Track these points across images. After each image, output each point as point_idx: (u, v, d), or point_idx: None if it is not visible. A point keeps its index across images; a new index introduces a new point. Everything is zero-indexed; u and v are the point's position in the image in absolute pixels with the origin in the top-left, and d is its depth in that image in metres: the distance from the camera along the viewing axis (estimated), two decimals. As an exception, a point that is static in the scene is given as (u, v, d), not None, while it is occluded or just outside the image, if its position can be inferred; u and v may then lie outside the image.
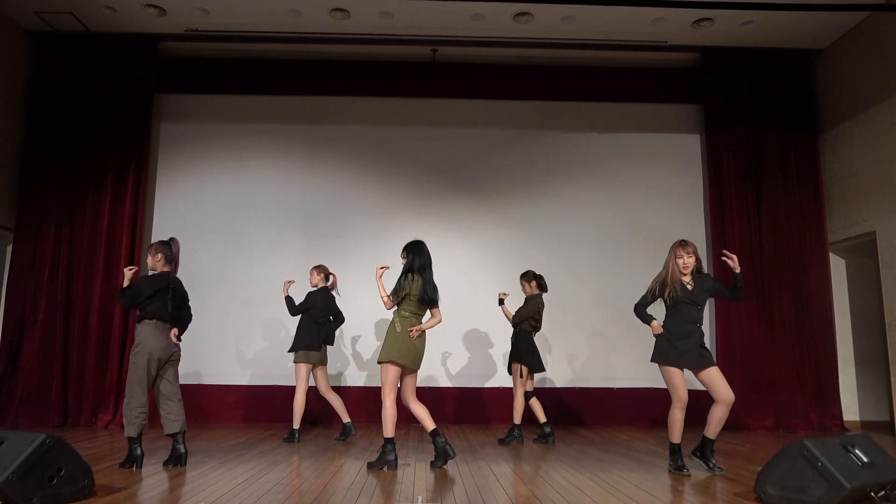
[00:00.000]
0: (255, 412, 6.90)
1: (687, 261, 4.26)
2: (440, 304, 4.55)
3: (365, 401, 6.92)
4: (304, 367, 5.66)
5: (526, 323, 5.67)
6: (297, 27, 6.89)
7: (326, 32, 7.00)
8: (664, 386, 4.32)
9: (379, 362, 4.38)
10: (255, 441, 5.60)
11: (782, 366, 6.84)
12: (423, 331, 4.43)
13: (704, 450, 4.29)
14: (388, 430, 4.32)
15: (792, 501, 3.18)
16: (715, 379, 4.17)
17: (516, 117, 7.62)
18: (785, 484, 3.24)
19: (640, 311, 4.41)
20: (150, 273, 4.49)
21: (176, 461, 4.31)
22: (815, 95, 7.49)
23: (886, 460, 3.34)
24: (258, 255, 7.23)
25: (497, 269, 7.19)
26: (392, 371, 4.33)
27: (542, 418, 5.68)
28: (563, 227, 7.45)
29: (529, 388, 5.69)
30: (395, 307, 4.47)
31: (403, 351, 4.32)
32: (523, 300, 5.80)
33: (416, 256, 4.47)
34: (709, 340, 7.19)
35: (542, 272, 6.02)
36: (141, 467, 4.20)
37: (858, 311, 7.25)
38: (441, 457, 4.35)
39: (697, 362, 4.17)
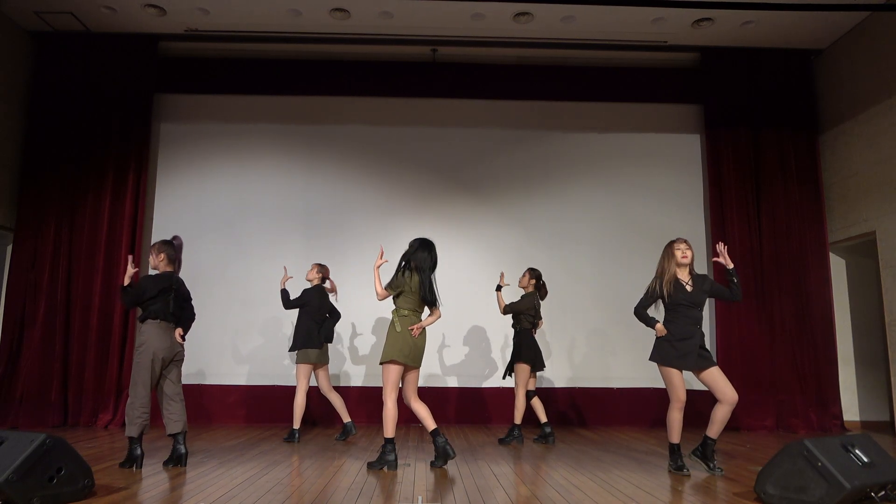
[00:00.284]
0: (255, 412, 6.90)
1: (685, 251, 4.26)
2: (441, 303, 4.54)
3: (365, 400, 6.92)
4: (305, 368, 5.66)
5: (524, 320, 5.66)
6: (296, 27, 6.89)
7: (326, 32, 7.00)
8: (664, 386, 4.32)
9: (381, 363, 4.37)
10: (255, 441, 5.60)
11: (782, 366, 6.84)
12: (424, 328, 4.43)
13: (706, 450, 4.28)
14: (389, 430, 4.32)
15: (792, 501, 3.18)
16: (717, 379, 4.17)
17: (516, 117, 7.62)
18: (785, 484, 3.24)
19: (641, 313, 4.40)
20: (153, 272, 4.50)
21: (176, 461, 4.31)
22: (815, 95, 7.49)
23: (886, 460, 3.34)
24: (258, 255, 7.23)
25: (497, 269, 7.16)
26: (394, 371, 4.33)
27: (543, 418, 5.68)
28: (563, 227, 7.45)
29: (531, 387, 5.69)
30: (394, 306, 4.46)
31: (405, 350, 4.32)
32: (520, 295, 5.79)
33: (419, 253, 4.45)
34: (709, 341, 7.18)
35: (542, 272, 6.02)
36: (141, 467, 4.20)
37: (858, 311, 7.25)
38: (441, 457, 4.35)
39: (697, 363, 4.18)
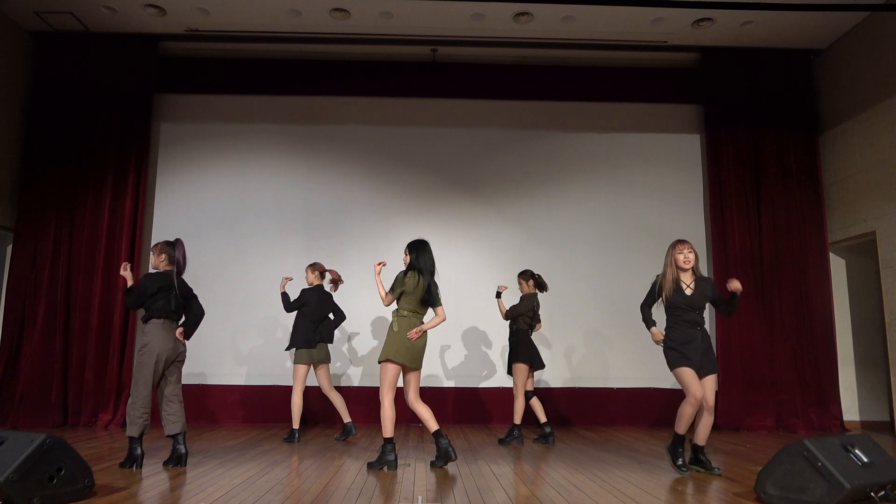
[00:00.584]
0: (255, 412, 6.90)
1: (688, 255, 4.25)
2: (443, 304, 4.54)
3: (364, 400, 6.91)
4: (302, 368, 5.65)
5: (521, 321, 5.67)
6: (296, 27, 6.88)
7: (326, 32, 7.00)
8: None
9: (378, 362, 4.40)
10: (255, 441, 5.60)
11: (782, 366, 6.84)
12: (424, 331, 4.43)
13: (696, 455, 4.29)
14: (388, 430, 4.33)
15: (792, 501, 3.18)
16: (707, 388, 4.18)
17: (516, 117, 7.62)
18: (785, 484, 3.24)
19: (645, 311, 4.39)
20: (159, 271, 4.49)
21: (176, 461, 4.31)
22: (814, 95, 7.49)
23: (886, 460, 3.34)
24: (258, 256, 7.23)
25: (497, 269, 7.18)
26: (391, 371, 4.33)
27: (543, 418, 5.67)
28: (563, 227, 7.45)
29: (530, 387, 5.68)
30: (395, 306, 4.47)
31: (401, 350, 4.32)
32: (519, 298, 5.80)
33: (419, 255, 4.46)
34: (709, 340, 7.20)
35: (542, 272, 6.02)
36: (141, 467, 4.20)
37: (858, 311, 7.25)
38: (442, 458, 4.35)
39: (703, 365, 4.16)
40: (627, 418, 7.01)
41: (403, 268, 4.53)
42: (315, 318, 5.74)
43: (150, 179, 7.25)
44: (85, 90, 7.04)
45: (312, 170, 7.45)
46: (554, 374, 7.18)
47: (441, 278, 7.24)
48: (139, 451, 4.23)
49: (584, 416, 7.05)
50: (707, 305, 4.35)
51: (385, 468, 4.29)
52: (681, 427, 4.25)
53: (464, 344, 7.22)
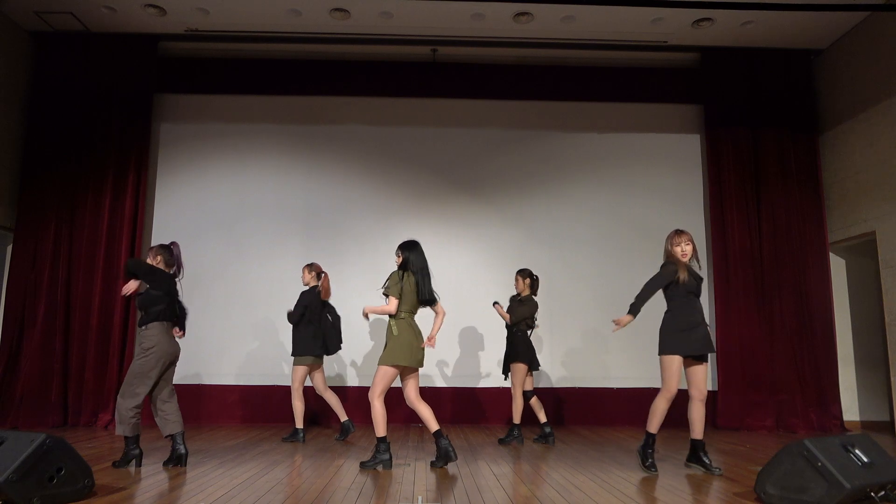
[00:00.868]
0: (255, 412, 6.90)
1: (685, 248, 4.27)
2: (440, 300, 4.55)
3: (363, 401, 6.91)
4: (302, 370, 5.66)
5: (522, 322, 5.67)
6: (297, 27, 6.88)
7: (326, 32, 7.00)
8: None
9: (381, 364, 4.33)
10: (255, 441, 5.60)
11: (782, 366, 6.84)
12: (418, 327, 4.43)
13: (697, 452, 4.30)
14: (380, 429, 4.33)
15: (792, 501, 3.18)
16: (699, 375, 4.23)
17: (516, 117, 7.62)
18: (785, 484, 3.24)
19: (647, 296, 4.23)
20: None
21: (176, 461, 4.31)
22: (815, 95, 7.49)
23: (886, 460, 3.34)
24: (258, 256, 7.23)
25: (497, 269, 7.19)
26: (389, 375, 4.33)
27: (543, 418, 5.67)
28: (563, 227, 7.45)
29: (529, 387, 5.68)
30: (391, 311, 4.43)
31: (406, 353, 4.32)
32: (516, 296, 5.78)
33: (412, 255, 4.46)
34: (709, 340, 7.20)
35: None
36: (140, 465, 4.21)
37: (858, 311, 7.25)
38: (442, 458, 4.34)
39: (705, 347, 4.17)
40: (627, 418, 7.00)
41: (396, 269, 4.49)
42: (316, 320, 5.73)
43: (150, 179, 7.25)
44: (85, 90, 7.04)
45: (312, 170, 7.45)
46: (554, 374, 7.18)
47: (441, 278, 7.24)
48: (137, 451, 4.23)
49: (584, 416, 7.04)
50: (707, 305, 4.38)
51: (381, 467, 4.29)
52: (653, 425, 4.28)
53: (465, 344, 7.22)
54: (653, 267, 4.60)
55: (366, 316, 4.53)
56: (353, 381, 7.11)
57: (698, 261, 4.42)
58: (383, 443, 4.34)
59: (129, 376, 4.24)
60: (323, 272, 5.90)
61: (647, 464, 4.28)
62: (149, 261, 4.48)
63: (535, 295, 5.79)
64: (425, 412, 4.42)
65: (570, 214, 7.48)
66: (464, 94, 7.59)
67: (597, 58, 7.58)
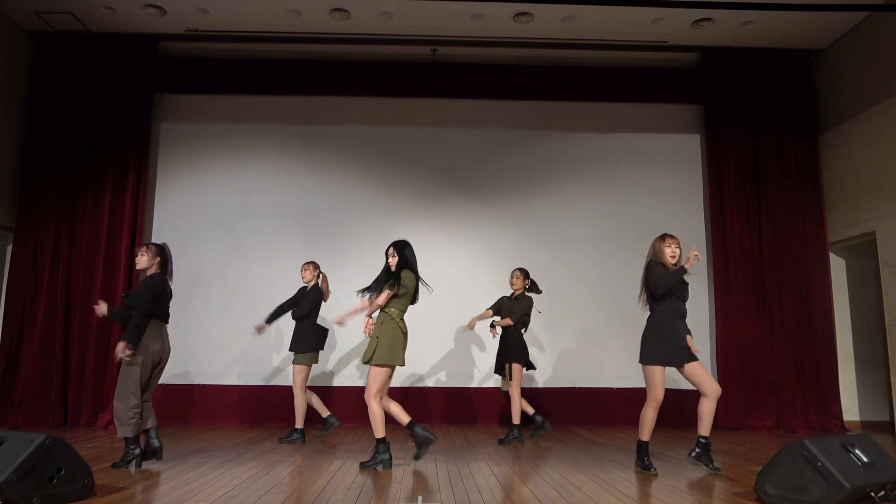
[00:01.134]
0: (255, 412, 6.90)
1: (675, 250, 4.26)
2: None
3: (361, 401, 6.90)
4: (306, 369, 5.66)
5: (519, 321, 5.69)
6: (297, 27, 6.88)
7: (326, 32, 7.00)
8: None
9: (379, 365, 4.31)
10: (255, 441, 5.60)
11: (782, 366, 6.84)
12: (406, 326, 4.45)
13: (703, 450, 4.27)
14: (380, 430, 4.33)
15: (792, 501, 3.18)
16: (701, 373, 4.19)
17: (516, 117, 7.62)
18: (785, 484, 3.24)
19: (667, 288, 4.16)
20: (151, 274, 4.47)
21: (153, 455, 4.33)
22: (815, 95, 7.49)
23: (886, 460, 3.35)
24: (258, 256, 7.23)
25: (497, 269, 7.17)
26: (385, 374, 4.34)
27: (530, 410, 5.71)
28: (563, 227, 7.45)
29: (506, 387, 5.73)
30: (380, 308, 4.42)
31: (401, 353, 4.35)
32: (511, 296, 5.77)
33: (410, 254, 4.47)
34: (709, 340, 7.21)
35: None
36: (141, 465, 4.21)
37: (858, 311, 7.25)
38: (423, 445, 4.36)
39: (687, 357, 4.17)
40: (627, 418, 6.99)
41: (389, 268, 4.46)
42: (315, 318, 5.75)
43: (150, 179, 7.25)
44: (85, 90, 7.04)
45: (312, 170, 7.45)
46: (554, 375, 7.18)
47: (441, 278, 7.27)
48: (137, 451, 4.23)
49: (583, 416, 7.04)
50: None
51: (381, 467, 4.30)
52: (645, 434, 4.28)
53: (465, 344, 7.21)
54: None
55: (369, 315, 4.50)
56: (352, 381, 7.10)
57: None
58: (382, 443, 4.34)
59: (119, 377, 4.24)
60: (321, 272, 5.91)
61: (646, 463, 4.27)
62: (145, 259, 4.44)
63: (538, 292, 5.80)
64: (394, 408, 4.43)
65: (570, 214, 7.48)
66: (464, 94, 7.59)
67: (597, 58, 7.58)
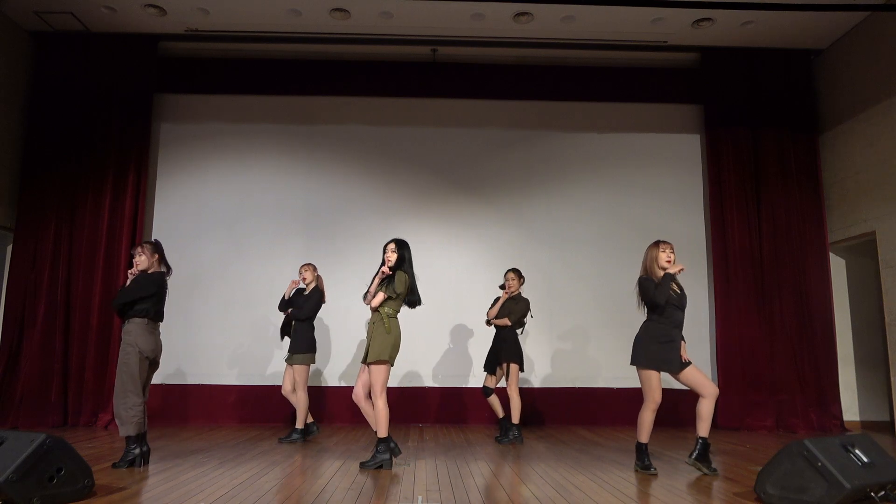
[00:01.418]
0: (254, 412, 6.90)
1: (669, 255, 4.26)
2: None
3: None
4: (307, 369, 5.65)
5: (516, 322, 5.70)
6: (296, 27, 6.88)
7: (326, 32, 7.00)
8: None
9: (377, 362, 4.31)
10: (255, 441, 5.60)
11: (782, 366, 6.84)
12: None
13: (702, 451, 4.25)
14: (383, 429, 4.32)
15: (792, 501, 3.18)
16: (696, 376, 4.20)
17: (516, 117, 7.62)
18: (785, 484, 3.24)
19: (662, 300, 4.17)
20: (150, 272, 4.46)
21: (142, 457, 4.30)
22: (815, 95, 7.49)
23: (886, 460, 3.35)
24: (258, 256, 7.23)
25: (497, 269, 7.15)
26: (385, 372, 4.34)
27: (501, 413, 5.73)
28: (563, 227, 7.45)
29: (492, 384, 5.73)
30: (376, 307, 4.41)
31: (395, 351, 4.37)
32: (509, 296, 5.78)
33: (408, 255, 4.48)
34: (709, 340, 7.22)
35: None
36: (141, 466, 4.21)
37: (858, 311, 7.25)
38: (388, 453, 4.34)
39: (680, 366, 4.17)
40: (627, 418, 6.98)
41: (387, 265, 4.45)
42: (314, 319, 5.76)
43: (150, 179, 7.25)
44: (85, 90, 7.04)
45: (312, 170, 7.45)
46: (554, 374, 7.18)
47: (441, 278, 7.27)
48: (138, 450, 4.22)
49: (583, 416, 7.04)
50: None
51: (381, 467, 4.30)
52: (643, 436, 4.28)
53: (465, 344, 7.21)
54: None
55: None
56: (350, 381, 7.10)
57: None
58: (384, 443, 4.33)
59: (117, 376, 4.24)
60: (318, 274, 5.92)
61: (646, 464, 4.27)
62: (144, 257, 4.43)
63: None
64: (370, 411, 4.41)
65: (570, 214, 7.48)
66: (464, 94, 7.59)
67: (597, 58, 7.58)
